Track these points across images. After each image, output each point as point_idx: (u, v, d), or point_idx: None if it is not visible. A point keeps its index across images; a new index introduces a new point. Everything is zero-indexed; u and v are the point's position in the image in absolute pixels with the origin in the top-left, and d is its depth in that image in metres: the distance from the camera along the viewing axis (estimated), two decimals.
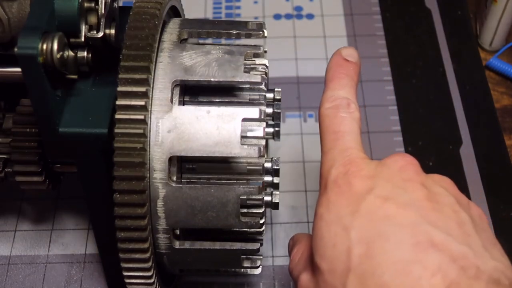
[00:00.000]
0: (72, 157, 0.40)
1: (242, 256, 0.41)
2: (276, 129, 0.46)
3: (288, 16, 0.68)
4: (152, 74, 0.37)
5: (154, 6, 0.39)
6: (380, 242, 0.31)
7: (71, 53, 0.38)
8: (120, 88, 0.36)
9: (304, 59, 0.64)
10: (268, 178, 0.42)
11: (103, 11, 0.39)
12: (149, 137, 0.37)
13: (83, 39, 0.39)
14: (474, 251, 0.31)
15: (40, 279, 0.51)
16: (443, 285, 0.30)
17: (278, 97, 0.44)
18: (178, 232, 0.42)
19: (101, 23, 0.39)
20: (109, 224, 0.38)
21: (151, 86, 0.37)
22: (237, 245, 0.40)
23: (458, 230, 0.32)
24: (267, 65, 0.40)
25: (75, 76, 0.39)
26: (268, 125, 0.45)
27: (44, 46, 0.35)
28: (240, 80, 0.38)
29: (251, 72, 0.39)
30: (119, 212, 0.37)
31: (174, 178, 0.40)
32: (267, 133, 0.41)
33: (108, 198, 0.38)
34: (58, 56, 0.36)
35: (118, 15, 0.41)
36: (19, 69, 0.35)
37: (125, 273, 0.40)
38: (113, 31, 0.40)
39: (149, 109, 0.37)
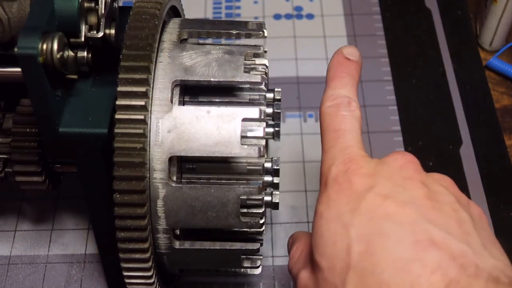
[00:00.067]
0: (72, 157, 0.40)
1: (242, 256, 0.41)
2: (276, 129, 0.46)
3: (288, 16, 0.68)
4: (152, 74, 0.37)
5: (154, 6, 0.39)
6: (380, 240, 0.32)
7: (71, 53, 0.38)
8: (120, 88, 0.36)
9: (304, 59, 0.64)
10: (268, 178, 0.42)
11: (103, 11, 0.39)
12: (149, 137, 0.37)
13: (83, 39, 0.39)
14: (474, 250, 0.31)
15: (40, 279, 0.51)
16: (443, 283, 0.30)
17: (278, 97, 0.44)
18: (178, 232, 0.42)
19: (101, 23, 0.39)
20: (109, 224, 0.38)
21: (151, 86, 0.37)
22: (237, 245, 0.40)
23: (458, 229, 0.32)
24: (267, 65, 0.40)
25: (75, 76, 0.39)
26: (268, 125, 0.45)
27: (44, 46, 0.35)
28: (240, 80, 0.38)
29: (251, 72, 0.39)
30: (119, 212, 0.37)
31: (174, 178, 0.40)
32: (267, 133, 0.41)
33: (108, 198, 0.38)
34: (58, 56, 0.36)
35: (118, 15, 0.41)
36: (19, 69, 0.35)
37: (125, 273, 0.40)
38: (113, 31, 0.40)
39: (149, 109, 0.37)
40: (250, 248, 0.40)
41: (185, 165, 0.40)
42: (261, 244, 0.42)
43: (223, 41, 0.57)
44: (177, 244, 0.40)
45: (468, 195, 0.55)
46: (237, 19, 0.68)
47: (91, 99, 0.40)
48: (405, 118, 0.60)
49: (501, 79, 0.64)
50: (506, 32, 0.64)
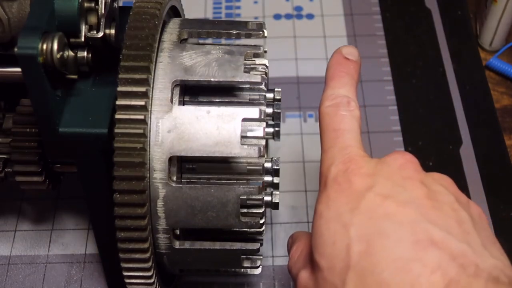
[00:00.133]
0: (72, 157, 0.40)
1: (242, 256, 0.41)
2: (276, 129, 0.46)
3: (288, 16, 0.68)
4: (152, 74, 0.37)
5: (154, 6, 0.39)
6: (380, 239, 0.32)
7: (71, 53, 0.38)
8: (120, 88, 0.36)
9: (304, 59, 0.64)
10: (268, 178, 0.42)
11: (103, 11, 0.39)
12: (149, 137, 0.37)
13: (83, 39, 0.39)
14: (474, 249, 0.31)
15: (40, 279, 0.51)
16: (443, 282, 0.30)
17: (278, 97, 0.44)
18: (178, 232, 0.42)
19: (101, 23, 0.39)
20: (109, 224, 0.38)
21: (151, 86, 0.37)
22: (237, 245, 0.40)
23: (458, 228, 0.32)
24: (267, 65, 0.40)
25: (75, 76, 0.39)
26: (268, 125, 0.45)
27: (44, 46, 0.35)
28: (240, 80, 0.38)
29: (251, 72, 0.39)
30: (119, 212, 0.37)
31: (174, 178, 0.40)
32: (267, 133, 0.41)
33: (108, 198, 0.38)
34: (58, 56, 0.36)
35: (118, 15, 0.41)
36: (19, 69, 0.35)
37: (125, 273, 0.40)
38: (113, 31, 0.40)
39: (149, 109, 0.37)
40: (250, 248, 0.40)
41: (185, 165, 0.40)
42: (261, 244, 0.42)
43: (223, 41, 0.57)
44: (177, 244, 0.40)
45: (468, 195, 0.55)
46: (237, 19, 0.68)
47: (91, 99, 0.40)
48: (405, 118, 0.60)
49: (501, 79, 0.64)
50: (506, 32, 0.64)
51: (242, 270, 0.47)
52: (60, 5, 0.37)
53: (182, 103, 0.40)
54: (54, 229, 0.54)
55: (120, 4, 0.42)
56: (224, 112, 0.37)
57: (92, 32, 0.39)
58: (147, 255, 0.39)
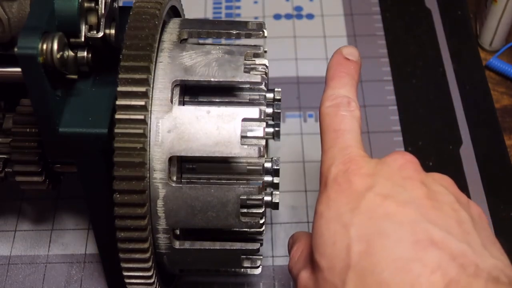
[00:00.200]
0: (72, 157, 0.40)
1: (242, 256, 0.41)
2: (276, 129, 0.46)
3: (288, 16, 0.68)
4: (152, 74, 0.37)
5: (154, 6, 0.39)
6: (380, 239, 0.32)
7: (71, 53, 0.38)
8: (120, 88, 0.36)
9: (304, 59, 0.64)
10: (268, 178, 0.42)
11: (103, 11, 0.39)
12: (149, 137, 0.37)
13: (83, 39, 0.39)
14: (474, 249, 0.31)
15: (40, 279, 0.51)
16: (443, 282, 0.30)
17: (278, 97, 0.44)
18: (178, 232, 0.42)
19: (101, 23, 0.39)
20: (109, 224, 0.38)
21: (151, 86, 0.37)
22: (237, 245, 0.40)
23: (458, 228, 0.32)
24: (267, 65, 0.40)
25: (75, 76, 0.39)
26: (268, 125, 0.45)
27: (44, 46, 0.35)
28: (240, 80, 0.38)
29: (251, 72, 0.39)
30: (119, 212, 0.37)
31: (174, 178, 0.40)
32: (267, 133, 0.41)
33: (108, 198, 0.38)
34: (58, 56, 0.36)
35: (118, 15, 0.41)
36: (19, 69, 0.35)
37: (125, 273, 0.40)
38: (113, 31, 0.40)
39: (149, 109, 0.37)
40: (250, 248, 0.40)
41: (185, 165, 0.40)
42: (261, 244, 0.42)
43: (223, 41, 0.57)
44: (177, 244, 0.40)
45: (468, 195, 0.55)
46: (237, 19, 0.68)
47: (91, 99, 0.40)
48: (405, 118, 0.60)
49: (501, 79, 0.64)
50: (506, 32, 0.64)
51: (242, 270, 0.47)
52: (60, 5, 0.37)
53: (182, 103, 0.40)
54: (54, 229, 0.54)
55: (120, 4, 0.42)
56: (224, 112, 0.37)
57: (92, 32, 0.39)
58: (147, 255, 0.39)
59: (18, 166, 0.42)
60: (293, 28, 0.67)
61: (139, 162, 0.36)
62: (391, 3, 0.69)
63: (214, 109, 0.37)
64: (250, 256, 0.44)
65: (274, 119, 0.44)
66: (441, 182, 0.35)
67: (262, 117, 0.38)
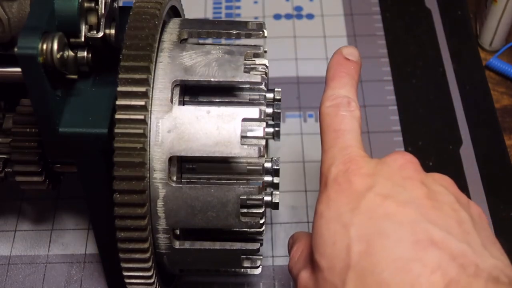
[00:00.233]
0: (72, 157, 0.40)
1: (242, 256, 0.41)
2: (276, 129, 0.46)
3: (288, 16, 0.68)
4: (152, 74, 0.37)
5: (154, 6, 0.39)
6: (380, 239, 0.32)
7: (71, 53, 0.38)
8: (120, 88, 0.36)
9: (304, 59, 0.64)
10: (268, 178, 0.42)
11: (103, 11, 0.39)
12: (149, 137, 0.37)
13: (83, 39, 0.39)
14: (474, 249, 0.31)
15: (40, 279, 0.51)
16: (443, 282, 0.30)
17: (278, 97, 0.44)
18: (178, 232, 0.42)
19: (101, 23, 0.39)
20: (109, 224, 0.38)
21: (151, 86, 0.37)
22: (237, 245, 0.40)
23: (458, 229, 0.32)
24: (267, 65, 0.40)
25: (75, 76, 0.39)
26: (268, 125, 0.45)
27: (44, 46, 0.35)
28: (240, 80, 0.38)
29: (251, 72, 0.39)
30: (119, 212, 0.37)
31: (174, 178, 0.40)
32: (267, 133, 0.41)
33: (108, 198, 0.38)
34: (58, 56, 0.36)
35: (118, 15, 0.41)
36: (19, 69, 0.35)
37: (125, 273, 0.40)
38: (113, 31, 0.40)
39: (149, 109, 0.37)
40: (250, 248, 0.40)
41: (185, 165, 0.40)
42: (261, 244, 0.42)
43: (223, 41, 0.57)
44: (177, 244, 0.40)
45: (468, 195, 0.55)
46: (237, 19, 0.68)
47: (91, 99, 0.40)
48: (405, 118, 0.60)
49: (501, 79, 0.64)
50: (506, 32, 0.64)
51: (242, 270, 0.47)
52: (60, 5, 0.37)
53: (182, 103, 0.40)
54: (54, 229, 0.54)
55: (120, 4, 0.42)
56: (224, 112, 0.37)
57: (92, 32, 0.39)
58: (147, 255, 0.39)
59: (18, 166, 0.42)
60: (293, 28, 0.67)
61: (139, 162, 0.36)
62: (391, 3, 0.69)
63: (214, 109, 0.37)
64: (250, 256, 0.44)
65: (274, 119, 0.44)
66: (441, 182, 0.35)
67: (262, 117, 0.38)
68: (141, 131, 0.36)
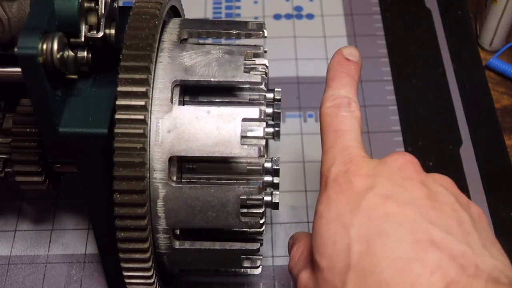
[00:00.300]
0: (72, 157, 0.40)
1: (242, 256, 0.41)
2: (276, 129, 0.46)
3: (288, 16, 0.68)
4: (152, 74, 0.37)
5: (154, 6, 0.39)
6: (380, 240, 0.32)
7: (71, 53, 0.38)
8: (120, 88, 0.36)
9: (304, 59, 0.64)
10: (268, 178, 0.42)
11: (103, 11, 0.39)
12: (149, 137, 0.37)
13: (83, 39, 0.39)
14: (474, 250, 0.31)
15: (40, 279, 0.51)
16: (443, 283, 0.30)
17: (278, 97, 0.44)
18: (178, 232, 0.42)
19: (101, 23, 0.39)
20: (109, 224, 0.38)
21: (151, 86, 0.37)
22: (237, 245, 0.40)
23: (458, 229, 0.32)
24: (267, 65, 0.40)
25: (75, 76, 0.39)
26: (268, 125, 0.45)
27: (44, 46, 0.35)
28: (240, 80, 0.38)
29: (251, 72, 0.39)
30: (119, 212, 0.37)
31: (174, 178, 0.40)
32: (267, 133, 0.41)
33: (108, 198, 0.38)
34: (58, 56, 0.36)
35: (118, 15, 0.41)
36: (19, 69, 0.35)
37: (125, 273, 0.40)
38: (113, 31, 0.40)
39: (149, 109, 0.37)
40: (250, 248, 0.40)
41: (185, 165, 0.40)
42: (261, 244, 0.42)
43: (223, 41, 0.57)
44: (177, 244, 0.40)
45: (468, 195, 0.55)
46: (237, 19, 0.68)
47: (91, 99, 0.40)
48: (405, 118, 0.60)
49: (501, 79, 0.64)
50: (506, 32, 0.64)
51: (242, 270, 0.47)
52: (60, 5, 0.37)
53: (182, 103, 0.40)
54: (54, 229, 0.54)
55: (120, 4, 0.42)
56: (224, 112, 0.37)
57: (92, 32, 0.39)
58: (147, 255, 0.39)
59: (18, 166, 0.42)
60: (293, 28, 0.67)
61: (139, 162, 0.36)
62: (391, 3, 0.69)
63: (214, 109, 0.37)
64: (250, 256, 0.44)
65: (274, 119, 0.44)
66: (441, 183, 0.35)
67: (262, 117, 0.38)
68: (141, 131, 0.36)
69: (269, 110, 0.43)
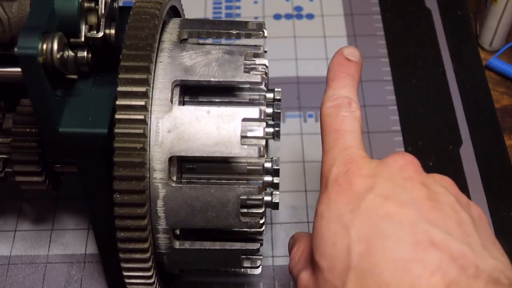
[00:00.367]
0: (72, 157, 0.40)
1: (242, 256, 0.41)
2: (276, 129, 0.46)
3: (288, 16, 0.68)
4: (152, 74, 0.37)
5: (154, 6, 0.39)
6: (380, 240, 0.32)
7: (71, 53, 0.38)
8: (120, 88, 0.36)
9: (304, 59, 0.64)
10: (268, 178, 0.42)
11: (103, 11, 0.39)
12: (149, 137, 0.37)
13: (83, 39, 0.39)
14: (474, 250, 0.31)
15: (40, 279, 0.51)
16: (443, 284, 0.30)
17: (278, 97, 0.44)
18: (178, 232, 0.42)
19: (101, 23, 0.39)
20: (109, 224, 0.38)
21: (151, 86, 0.37)
22: (237, 245, 0.40)
23: (458, 229, 0.32)
24: (267, 65, 0.40)
25: (75, 76, 0.39)
26: (268, 125, 0.45)
27: (44, 46, 0.35)
28: (240, 80, 0.38)
29: (251, 72, 0.39)
30: (119, 212, 0.37)
31: (174, 178, 0.40)
32: (267, 133, 0.41)
33: (108, 198, 0.38)
34: (58, 56, 0.36)
35: (118, 15, 0.41)
36: (19, 69, 0.35)
37: (125, 273, 0.40)
38: (113, 31, 0.40)
39: (149, 109, 0.37)
40: (250, 248, 0.40)
41: (185, 165, 0.40)
42: (261, 244, 0.42)
43: (223, 41, 0.57)
44: (177, 244, 0.40)
45: (468, 195, 0.55)
46: (237, 19, 0.68)
47: (91, 99, 0.40)
48: (405, 118, 0.60)
49: (501, 79, 0.64)
50: (506, 32, 0.64)
51: (242, 270, 0.47)
52: (60, 5, 0.37)
53: (182, 103, 0.40)
54: (54, 229, 0.54)
55: (120, 4, 0.42)
56: (224, 112, 0.37)
57: (92, 32, 0.39)
58: (147, 255, 0.39)
59: (18, 166, 0.42)
60: (293, 28, 0.67)
61: (139, 162, 0.36)
62: (391, 3, 0.69)
63: (214, 109, 0.37)
64: (250, 256, 0.44)
65: (274, 119, 0.44)
66: (442, 183, 0.35)
67: (262, 117, 0.38)
68: (141, 131, 0.36)
69: (269, 110, 0.43)
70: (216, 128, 0.37)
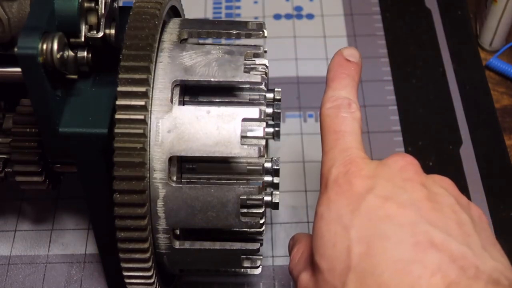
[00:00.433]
0: (72, 157, 0.40)
1: (242, 256, 0.41)
2: (276, 129, 0.46)
3: (288, 16, 0.68)
4: (152, 74, 0.37)
5: (154, 6, 0.39)
6: (380, 241, 0.32)
7: (71, 53, 0.38)
8: (120, 88, 0.36)
9: (304, 59, 0.64)
10: (268, 178, 0.42)
11: (103, 11, 0.39)
12: (149, 137, 0.37)
13: (83, 39, 0.39)
14: (474, 251, 0.31)
15: (40, 279, 0.51)
16: (443, 284, 0.30)
17: (278, 97, 0.44)
18: (178, 232, 0.42)
19: (101, 23, 0.39)
20: (109, 224, 0.38)
21: (151, 86, 0.37)
22: (237, 245, 0.40)
23: (458, 230, 0.32)
24: (267, 65, 0.40)
25: (75, 76, 0.39)
26: (268, 125, 0.45)
27: (44, 46, 0.35)
28: (240, 80, 0.38)
29: (251, 72, 0.39)
30: (119, 212, 0.37)
31: (174, 178, 0.40)
32: (267, 133, 0.41)
33: (108, 198, 0.38)
34: (58, 56, 0.36)
35: (118, 15, 0.41)
36: (19, 69, 0.35)
37: (125, 273, 0.40)
38: (113, 31, 0.40)
39: (149, 109, 0.37)
40: (250, 248, 0.40)
41: (185, 165, 0.40)
42: (261, 244, 0.42)
43: (223, 41, 0.57)
44: (177, 244, 0.40)
45: (468, 195, 0.55)
46: (237, 19, 0.68)
47: (91, 99, 0.40)
48: (405, 118, 0.60)
49: (501, 79, 0.64)
50: (506, 32, 0.64)
51: (242, 270, 0.47)
52: (60, 5, 0.37)
53: (182, 103, 0.40)
54: (54, 229, 0.54)
55: (120, 4, 0.42)
56: (224, 112, 0.37)
57: (92, 32, 0.39)
58: (147, 255, 0.39)
59: (18, 166, 0.42)
60: (293, 28, 0.67)
61: (139, 162, 0.36)
62: (391, 3, 0.69)
63: (214, 109, 0.37)
64: (250, 256, 0.44)
65: (274, 119, 0.44)
66: (442, 184, 0.35)
67: (262, 117, 0.38)
68: (141, 131, 0.36)
69: (269, 110, 0.43)
70: (216, 128, 0.37)
